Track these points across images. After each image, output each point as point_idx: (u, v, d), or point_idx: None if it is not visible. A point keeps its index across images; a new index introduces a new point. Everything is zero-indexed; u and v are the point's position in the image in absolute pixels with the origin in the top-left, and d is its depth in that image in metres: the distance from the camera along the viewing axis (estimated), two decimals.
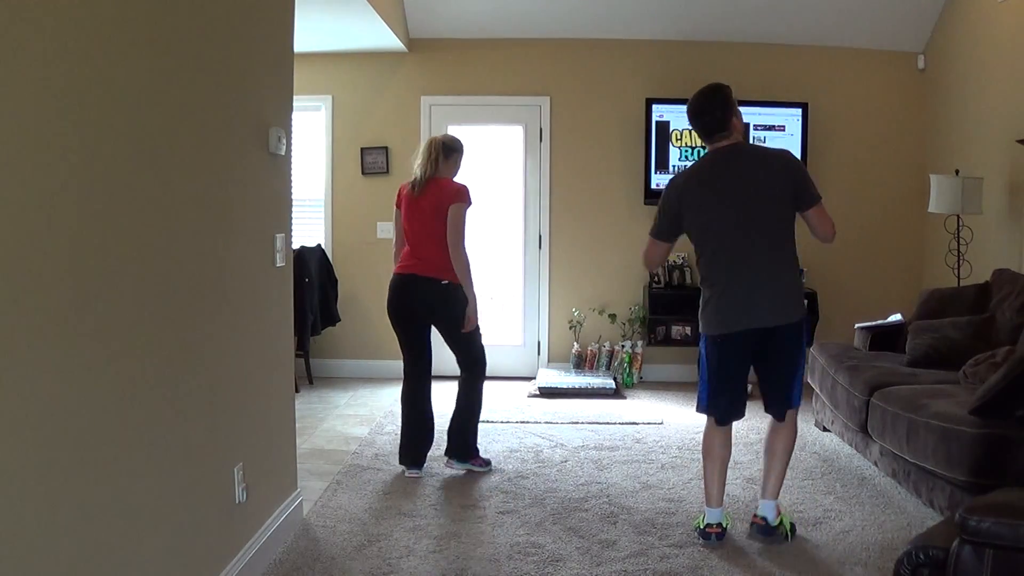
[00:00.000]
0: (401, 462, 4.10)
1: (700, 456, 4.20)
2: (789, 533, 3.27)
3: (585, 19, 6.10)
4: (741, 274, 3.16)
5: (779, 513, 3.30)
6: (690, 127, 3.27)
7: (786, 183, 3.14)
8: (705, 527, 3.28)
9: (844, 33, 6.10)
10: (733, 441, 4.31)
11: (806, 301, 5.79)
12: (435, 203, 3.91)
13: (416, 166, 4.01)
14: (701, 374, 3.38)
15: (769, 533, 3.25)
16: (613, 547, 3.24)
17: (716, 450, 3.35)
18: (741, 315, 3.16)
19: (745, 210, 3.14)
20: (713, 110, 3.18)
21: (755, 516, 3.32)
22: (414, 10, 6.03)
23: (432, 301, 3.99)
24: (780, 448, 3.32)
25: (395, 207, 4.11)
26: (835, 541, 3.28)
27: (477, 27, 6.18)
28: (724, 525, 3.29)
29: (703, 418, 4.27)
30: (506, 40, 6.26)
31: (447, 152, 4.00)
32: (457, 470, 4.12)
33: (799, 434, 4.79)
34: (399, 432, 4.17)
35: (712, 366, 3.29)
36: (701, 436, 4.28)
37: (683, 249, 5.48)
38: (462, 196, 3.92)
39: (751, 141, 6.13)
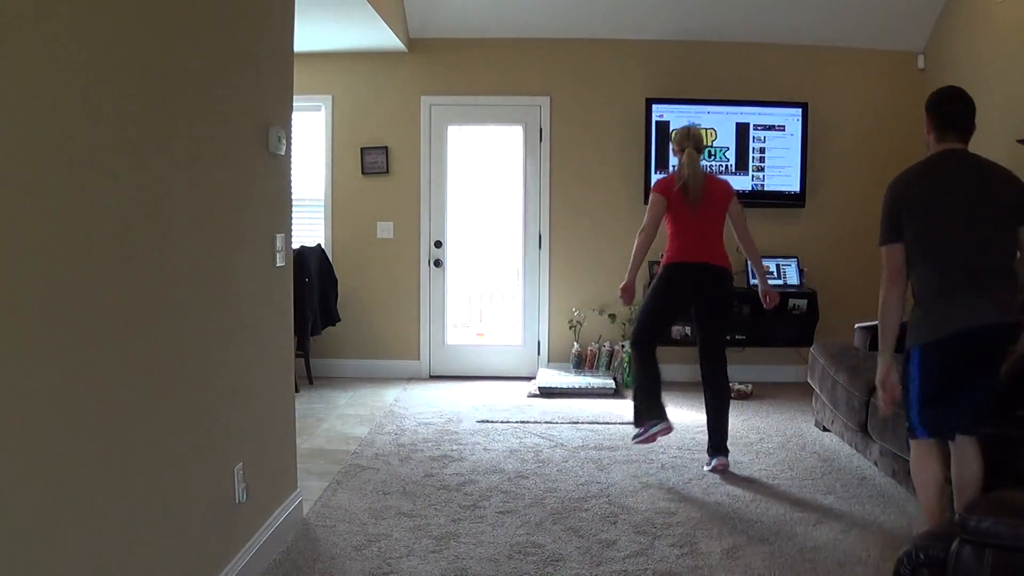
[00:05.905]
0: (651, 418, 4.18)
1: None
2: None
3: (585, 19, 6.10)
4: (972, 282, 2.84)
5: None
6: None
7: (1014, 195, 2.89)
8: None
9: (844, 33, 6.11)
10: (731, 441, 4.34)
11: (806, 301, 5.91)
12: (719, 201, 4.23)
13: (685, 166, 4.19)
14: (909, 395, 2.97)
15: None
16: (613, 547, 3.24)
17: (930, 475, 2.92)
18: (967, 313, 2.82)
19: (983, 219, 2.86)
20: (973, 109, 2.95)
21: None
22: (414, 10, 6.03)
23: (722, 286, 4.28)
24: None
25: (661, 196, 4.21)
26: (835, 541, 3.28)
27: (477, 27, 6.18)
28: None
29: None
30: (506, 40, 6.26)
31: (700, 151, 4.30)
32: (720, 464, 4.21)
33: (799, 433, 4.83)
34: (396, 430, 4.15)
35: (924, 376, 2.90)
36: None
37: None
38: (733, 189, 4.34)
39: (750, 142, 6.15)
